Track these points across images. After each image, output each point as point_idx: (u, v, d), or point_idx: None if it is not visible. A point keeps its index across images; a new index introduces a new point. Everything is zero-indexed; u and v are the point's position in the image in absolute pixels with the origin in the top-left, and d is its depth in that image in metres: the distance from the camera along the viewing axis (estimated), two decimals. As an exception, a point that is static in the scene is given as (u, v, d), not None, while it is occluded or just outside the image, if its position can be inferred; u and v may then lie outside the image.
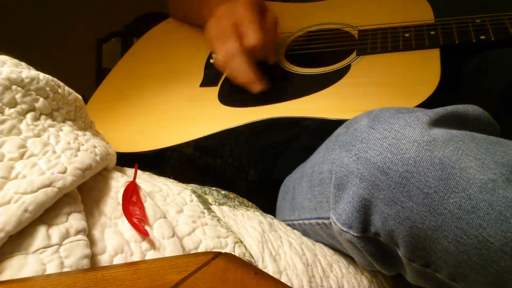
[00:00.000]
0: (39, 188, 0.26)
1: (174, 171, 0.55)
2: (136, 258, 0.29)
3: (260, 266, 0.36)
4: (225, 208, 0.42)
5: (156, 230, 0.31)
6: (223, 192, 0.46)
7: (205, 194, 0.43)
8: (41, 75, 0.32)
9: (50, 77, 0.33)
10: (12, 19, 1.49)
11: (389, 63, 0.55)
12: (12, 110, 0.29)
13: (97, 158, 0.32)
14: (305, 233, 0.47)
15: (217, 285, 0.24)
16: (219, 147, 0.55)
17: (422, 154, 0.32)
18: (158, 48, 0.74)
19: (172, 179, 0.43)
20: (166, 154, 0.55)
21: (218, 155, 0.56)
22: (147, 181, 0.39)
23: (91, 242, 0.28)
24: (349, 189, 0.35)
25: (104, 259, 0.28)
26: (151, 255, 0.30)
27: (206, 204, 0.40)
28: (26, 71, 0.31)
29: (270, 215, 0.48)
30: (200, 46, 0.70)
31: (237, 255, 0.35)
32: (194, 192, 0.41)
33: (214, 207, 0.41)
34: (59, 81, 0.34)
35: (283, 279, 0.36)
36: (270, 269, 0.36)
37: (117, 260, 0.28)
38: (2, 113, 0.28)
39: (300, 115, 0.52)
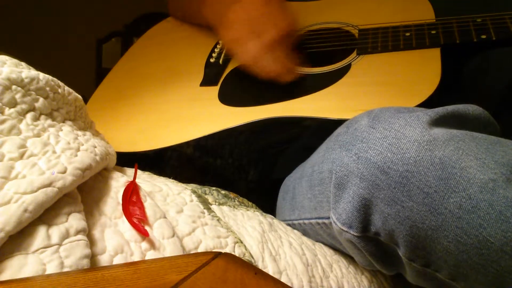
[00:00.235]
0: (39, 188, 0.26)
1: (174, 171, 0.55)
2: (136, 258, 0.29)
3: (260, 266, 0.36)
4: (225, 208, 0.42)
5: (156, 230, 0.31)
6: (223, 192, 0.46)
7: (205, 194, 0.43)
8: (41, 75, 0.32)
9: (50, 77, 0.33)
10: (12, 19, 1.49)
11: (390, 63, 0.55)
12: (12, 110, 0.29)
13: (97, 158, 0.32)
14: (305, 233, 0.47)
15: (217, 285, 0.24)
16: (219, 147, 0.55)
17: (423, 153, 0.32)
18: (158, 48, 0.74)
19: (172, 179, 0.43)
20: (166, 154, 0.55)
21: (218, 155, 0.56)
22: (147, 181, 0.39)
23: (91, 242, 0.28)
24: (349, 188, 0.35)
25: (104, 259, 0.28)
26: (151, 255, 0.30)
27: (206, 204, 0.40)
28: (26, 71, 0.31)
29: (270, 215, 0.48)
30: (200, 45, 0.70)
31: (237, 255, 0.35)
32: (194, 192, 0.41)
33: (214, 207, 0.41)
34: (59, 81, 0.34)
35: (283, 279, 0.36)
36: (270, 269, 0.36)
37: (117, 260, 0.28)
38: (2, 113, 0.28)
39: (300, 115, 0.52)
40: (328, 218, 0.40)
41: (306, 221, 0.46)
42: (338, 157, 0.37)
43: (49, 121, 0.31)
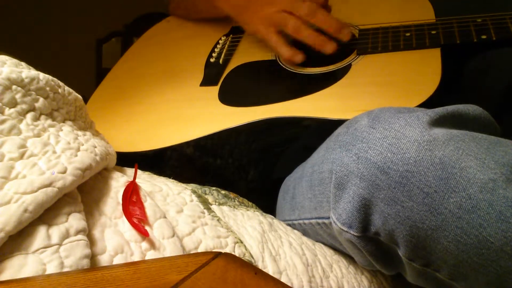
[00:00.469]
0: (39, 188, 0.26)
1: (174, 171, 0.55)
2: (136, 258, 0.29)
3: (260, 266, 0.36)
4: (225, 208, 0.42)
5: (156, 230, 0.31)
6: (223, 192, 0.46)
7: (205, 194, 0.43)
8: (41, 75, 0.32)
9: (50, 77, 0.33)
10: (12, 19, 1.49)
11: (390, 63, 0.55)
12: (12, 110, 0.29)
13: (97, 158, 0.32)
14: (305, 233, 0.47)
15: (217, 285, 0.24)
16: (219, 147, 0.55)
17: (423, 153, 0.32)
18: (158, 48, 0.74)
19: (172, 179, 0.43)
20: (166, 154, 0.55)
21: (218, 155, 0.56)
22: (147, 181, 0.39)
23: (91, 242, 0.28)
24: (349, 188, 0.35)
25: (104, 259, 0.28)
26: (151, 255, 0.30)
27: (206, 204, 0.40)
28: (26, 71, 0.31)
29: (270, 215, 0.48)
30: (200, 45, 0.70)
31: (237, 255, 0.35)
32: (194, 192, 0.41)
33: (214, 207, 0.41)
34: (59, 81, 0.34)
35: (283, 279, 0.36)
36: (270, 269, 0.36)
37: (117, 260, 0.28)
38: (2, 113, 0.28)
39: (300, 115, 0.52)
40: (328, 218, 0.40)
41: (306, 221, 0.46)
42: (338, 157, 0.37)
43: (49, 121, 0.31)
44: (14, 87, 0.29)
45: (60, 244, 0.25)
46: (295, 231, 0.47)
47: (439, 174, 0.31)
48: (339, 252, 0.46)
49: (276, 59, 0.63)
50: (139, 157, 0.54)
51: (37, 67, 0.33)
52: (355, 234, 0.36)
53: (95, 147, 0.34)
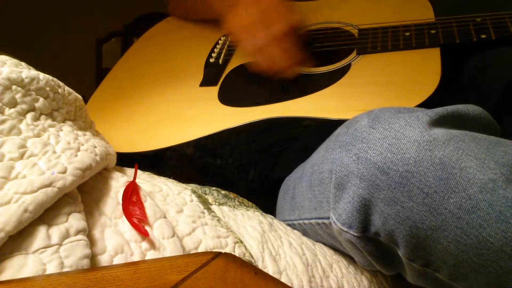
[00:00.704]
0: (39, 188, 0.26)
1: (174, 171, 0.55)
2: (136, 258, 0.29)
3: (260, 266, 0.36)
4: (225, 208, 0.42)
5: (156, 230, 0.31)
6: (223, 192, 0.46)
7: (205, 194, 0.43)
8: (41, 75, 0.32)
9: (50, 77, 0.33)
10: (12, 19, 1.49)
11: (390, 62, 0.55)
12: (12, 110, 0.29)
13: (97, 158, 0.32)
14: (305, 233, 0.47)
15: (217, 285, 0.24)
16: (219, 147, 0.55)
17: (422, 154, 0.32)
18: (158, 48, 0.74)
19: (172, 179, 0.43)
20: (166, 154, 0.55)
21: (218, 155, 0.56)
22: (147, 181, 0.39)
23: (91, 242, 0.28)
24: (349, 189, 0.35)
25: (104, 259, 0.28)
26: (151, 255, 0.30)
27: (206, 204, 0.40)
28: (26, 71, 0.31)
29: (270, 215, 0.48)
30: (200, 45, 0.70)
31: (237, 255, 0.35)
32: (194, 192, 0.41)
33: (214, 207, 0.41)
34: (59, 81, 0.34)
35: (283, 279, 0.36)
36: (270, 269, 0.36)
37: (117, 260, 0.28)
38: (2, 113, 0.28)
39: (300, 115, 0.52)
40: (328, 218, 0.40)
41: (306, 221, 0.46)
42: (338, 157, 0.37)
43: (49, 121, 0.31)
44: (14, 87, 0.29)
45: (60, 244, 0.25)
46: (295, 231, 0.47)
47: (439, 174, 0.31)
48: (339, 252, 0.46)
49: None
50: (139, 157, 0.54)
51: (37, 67, 0.33)
52: (355, 234, 0.36)
53: (95, 147, 0.34)
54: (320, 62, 0.59)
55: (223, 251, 0.34)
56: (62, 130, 0.32)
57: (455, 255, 0.31)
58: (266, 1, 0.57)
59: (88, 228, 0.28)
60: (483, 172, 0.30)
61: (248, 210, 0.44)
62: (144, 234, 0.30)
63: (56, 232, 0.26)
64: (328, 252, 0.45)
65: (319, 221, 0.43)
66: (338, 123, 0.43)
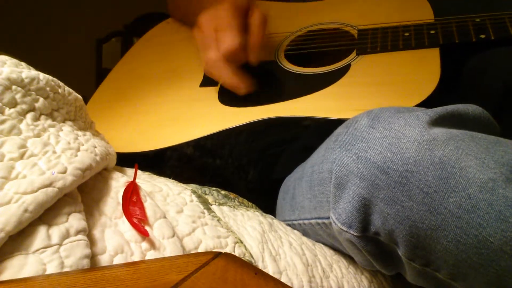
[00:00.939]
0: (39, 188, 0.26)
1: (174, 171, 0.55)
2: (136, 258, 0.29)
3: (260, 266, 0.36)
4: (225, 208, 0.42)
5: (156, 230, 0.31)
6: (223, 192, 0.46)
7: (205, 194, 0.43)
8: (41, 75, 0.32)
9: (50, 77, 0.33)
10: (12, 19, 1.49)
11: (389, 63, 0.55)
12: (12, 110, 0.29)
13: (97, 158, 0.32)
14: (305, 233, 0.47)
15: (217, 285, 0.24)
16: (219, 147, 0.55)
17: (422, 153, 0.32)
18: (158, 48, 0.74)
19: (172, 179, 0.43)
20: (166, 154, 0.55)
21: (218, 155, 0.56)
22: (147, 181, 0.39)
23: (91, 242, 0.28)
24: (349, 188, 0.35)
25: (104, 259, 0.28)
26: (151, 255, 0.30)
27: (206, 204, 0.40)
28: (26, 71, 0.31)
29: (270, 215, 0.48)
30: (200, 46, 0.70)
31: (237, 255, 0.35)
32: (194, 192, 0.41)
33: (214, 207, 0.41)
34: (59, 81, 0.34)
35: (283, 279, 0.36)
36: (270, 269, 0.36)
37: (117, 260, 0.28)
38: (2, 113, 0.28)
39: (300, 115, 0.52)
40: (328, 218, 0.40)
41: (306, 221, 0.46)
42: (338, 157, 0.37)
43: (49, 121, 0.31)
44: (14, 87, 0.29)
45: (60, 244, 0.25)
46: (295, 231, 0.47)
47: (438, 174, 0.31)
48: (339, 252, 0.46)
49: (275, 60, 0.63)
50: (139, 157, 0.54)
51: (37, 67, 0.33)
52: (355, 234, 0.36)
53: (95, 147, 0.34)
54: (320, 63, 0.59)
55: (223, 251, 0.34)
56: (62, 130, 0.32)
57: (455, 255, 0.31)
58: (221, 17, 0.55)
59: (88, 228, 0.28)
60: (483, 171, 0.30)
61: (248, 210, 0.44)
62: (144, 234, 0.30)
63: (56, 232, 0.26)
64: (328, 252, 0.45)
65: (319, 221, 0.43)
66: (338, 123, 0.43)
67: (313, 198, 0.44)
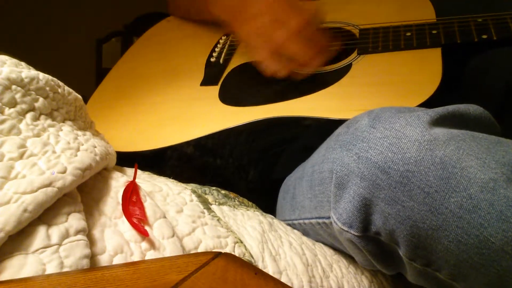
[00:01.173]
0: (38, 188, 0.26)
1: (174, 170, 0.55)
2: (136, 258, 0.29)
3: (260, 266, 0.36)
4: (225, 208, 0.42)
5: (156, 230, 0.31)
6: (223, 191, 0.46)
7: (205, 194, 0.43)
8: (41, 75, 0.32)
9: (50, 77, 0.33)
10: (12, 19, 1.49)
11: (391, 62, 0.54)
12: (12, 110, 0.29)
13: (97, 158, 0.32)
14: (305, 232, 0.47)
15: (217, 285, 0.24)
16: (219, 147, 0.55)
17: (423, 153, 0.32)
18: (158, 47, 0.74)
19: (172, 179, 0.43)
20: (166, 154, 0.55)
21: (218, 155, 0.56)
22: (147, 181, 0.39)
23: (91, 242, 0.28)
24: (350, 188, 0.35)
25: (104, 259, 0.28)
26: (151, 255, 0.29)
27: (206, 204, 0.40)
28: (26, 71, 0.31)
29: (270, 215, 0.47)
30: (201, 44, 0.70)
31: (237, 255, 0.35)
32: (194, 192, 0.41)
33: (214, 207, 0.41)
34: (59, 81, 0.34)
35: (283, 279, 0.36)
36: (270, 269, 0.36)
37: (117, 260, 0.28)
38: (2, 113, 0.28)
39: (300, 115, 0.52)
40: (329, 218, 0.40)
41: (306, 221, 0.46)
42: (338, 157, 0.36)
43: (49, 121, 0.31)
44: (13, 87, 0.29)
45: (60, 244, 0.25)
46: (295, 231, 0.47)
47: (439, 174, 0.31)
48: (339, 252, 0.46)
49: None
50: (139, 157, 0.54)
51: (37, 67, 0.33)
52: (356, 234, 0.36)
53: (95, 147, 0.33)
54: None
55: (223, 251, 0.34)
56: (62, 130, 0.32)
57: (455, 255, 0.31)
58: (274, 1, 0.56)
59: (88, 228, 0.28)
60: (484, 171, 0.30)
61: (248, 210, 0.44)
62: (144, 234, 0.30)
63: (55, 232, 0.26)
64: (328, 252, 0.45)
65: (320, 220, 0.43)
66: (338, 122, 0.43)
67: (313, 198, 0.44)
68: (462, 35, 0.53)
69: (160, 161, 0.55)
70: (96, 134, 0.39)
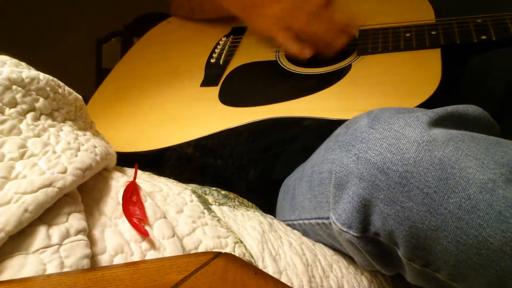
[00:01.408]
0: (39, 188, 0.26)
1: (174, 171, 0.55)
2: (136, 258, 0.29)
3: (260, 266, 0.36)
4: (225, 208, 0.42)
5: (156, 230, 0.31)
6: (223, 192, 0.46)
7: (205, 194, 0.43)
8: (41, 75, 0.32)
9: (50, 77, 0.33)
10: (12, 19, 1.49)
11: (390, 63, 0.55)
12: (13, 110, 0.29)
13: (97, 158, 0.32)
14: (305, 233, 0.47)
15: (217, 285, 0.24)
16: (219, 147, 0.55)
17: (422, 154, 0.32)
18: (159, 48, 0.74)
19: (172, 179, 0.43)
20: (166, 154, 0.55)
21: (218, 155, 0.56)
22: (147, 181, 0.39)
23: (91, 242, 0.28)
24: (349, 189, 0.35)
25: (104, 259, 0.28)
26: (151, 255, 0.30)
27: (206, 204, 0.40)
28: (26, 71, 0.31)
29: (270, 215, 0.48)
30: (201, 46, 0.70)
31: (237, 255, 0.35)
32: (194, 192, 0.41)
33: (214, 207, 0.41)
34: (59, 81, 0.34)
35: (283, 279, 0.36)
36: (270, 269, 0.36)
37: (117, 260, 0.28)
38: (3, 113, 0.28)
39: (300, 115, 0.52)
40: (328, 218, 0.40)
41: (306, 221, 0.46)
42: (337, 157, 0.37)
43: (49, 121, 0.31)
44: (14, 87, 0.29)
45: (60, 244, 0.25)
46: (295, 231, 0.47)
47: (438, 175, 0.31)
48: (339, 252, 0.46)
49: (276, 60, 0.63)
50: (139, 157, 0.54)
51: (37, 67, 0.33)
52: (355, 234, 0.36)
53: (95, 147, 0.34)
54: (321, 63, 0.59)
55: (223, 251, 0.34)
56: (62, 130, 0.32)
57: (455, 255, 0.31)
58: None
59: (88, 228, 0.28)
60: (483, 172, 0.30)
61: (248, 210, 0.44)
62: (144, 234, 0.30)
63: (56, 232, 0.26)
64: (328, 252, 0.45)
65: (319, 221, 0.43)
66: (338, 123, 0.43)
67: (313, 198, 0.44)
68: (461, 36, 0.53)
69: (160, 162, 0.55)
70: (96, 134, 0.39)
